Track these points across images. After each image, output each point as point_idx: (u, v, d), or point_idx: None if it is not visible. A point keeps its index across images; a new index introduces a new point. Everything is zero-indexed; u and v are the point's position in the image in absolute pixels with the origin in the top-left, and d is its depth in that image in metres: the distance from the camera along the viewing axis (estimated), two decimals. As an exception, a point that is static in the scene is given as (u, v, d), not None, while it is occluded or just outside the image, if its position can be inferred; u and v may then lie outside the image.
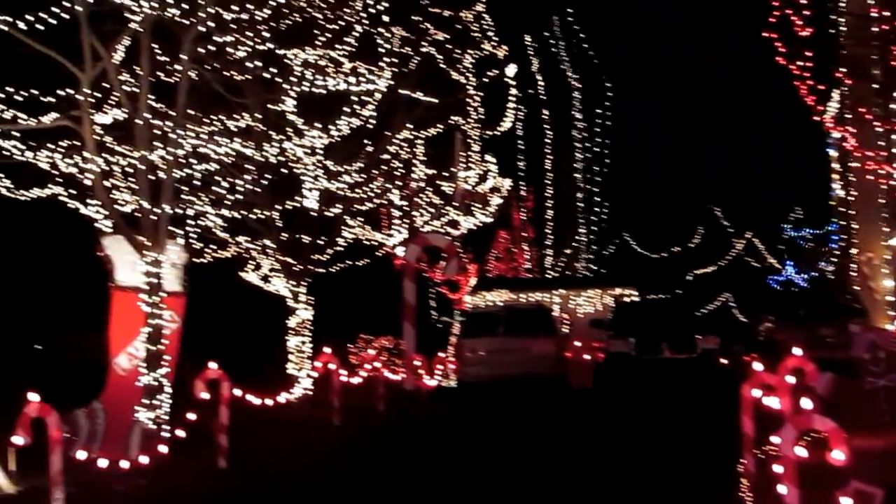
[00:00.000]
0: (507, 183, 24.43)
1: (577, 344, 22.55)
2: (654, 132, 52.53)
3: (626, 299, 30.10)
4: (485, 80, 22.45)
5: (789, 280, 54.89)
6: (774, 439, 6.96)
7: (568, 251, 46.15)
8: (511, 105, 23.84)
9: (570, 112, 42.33)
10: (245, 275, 20.93)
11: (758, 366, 9.84)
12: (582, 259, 47.13)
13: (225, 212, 14.82)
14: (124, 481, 11.08)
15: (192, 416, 12.66)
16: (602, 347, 21.73)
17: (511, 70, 23.09)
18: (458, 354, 22.01)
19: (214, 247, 18.18)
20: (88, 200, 13.25)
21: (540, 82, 31.84)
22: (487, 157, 23.55)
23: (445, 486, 10.44)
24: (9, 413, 9.95)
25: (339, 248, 20.64)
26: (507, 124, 24.05)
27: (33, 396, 8.57)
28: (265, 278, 20.44)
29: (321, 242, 20.03)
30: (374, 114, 15.71)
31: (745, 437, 8.84)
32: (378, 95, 14.65)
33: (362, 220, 21.17)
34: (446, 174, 21.84)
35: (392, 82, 15.35)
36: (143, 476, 11.34)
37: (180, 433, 12.58)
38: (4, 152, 12.55)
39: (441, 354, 25.24)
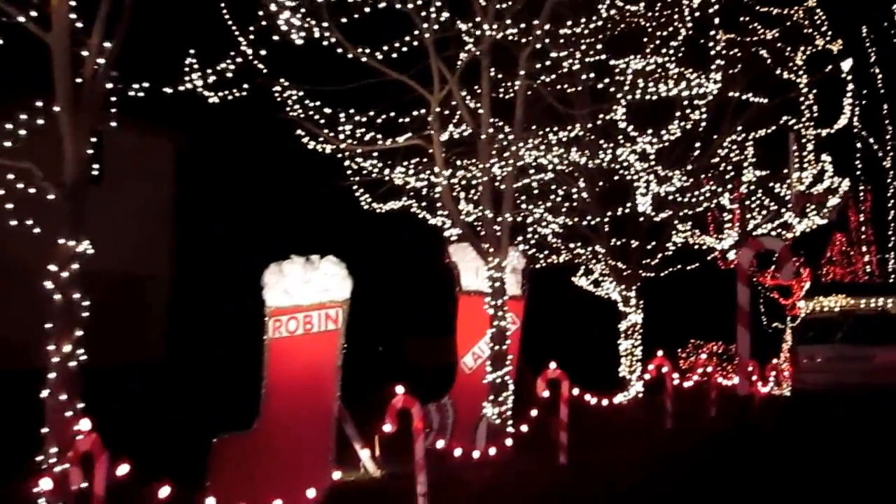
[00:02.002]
0: (844, 183, 23.08)
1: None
2: None
3: None
4: (819, 76, 21.43)
5: None
6: None
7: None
8: (847, 101, 22.64)
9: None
10: (577, 280, 21.45)
11: None
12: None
13: (560, 219, 15.29)
14: (475, 470, 11.80)
15: (534, 413, 13.20)
16: None
17: (847, 64, 21.91)
18: (793, 361, 21.17)
19: (548, 253, 18.83)
20: (438, 212, 14.28)
21: (879, 75, 29.74)
22: (823, 157, 22.45)
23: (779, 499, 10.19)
24: (368, 406, 10.99)
25: (668, 253, 20.60)
26: (843, 121, 22.81)
27: (399, 389, 9.38)
28: (596, 283, 20.81)
29: (650, 247, 20.10)
30: (704, 117, 15.54)
31: None
32: (708, 98, 14.49)
33: (691, 224, 20.98)
34: (778, 176, 21.06)
35: (720, 85, 15.11)
36: (490, 467, 12.01)
37: (524, 428, 13.15)
38: (365, 171, 13.89)
39: (774, 361, 24.36)
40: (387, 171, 13.59)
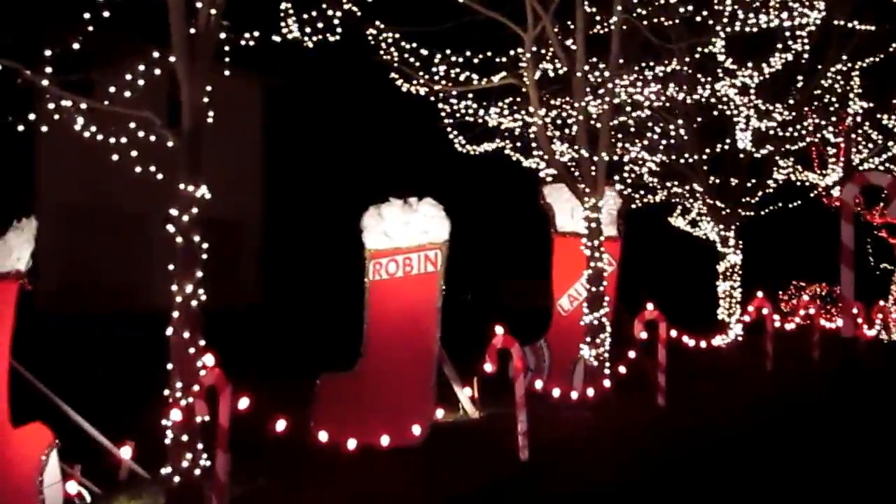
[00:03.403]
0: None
1: None
2: None
3: None
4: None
5: None
6: None
7: None
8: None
9: None
10: (674, 220, 21.50)
11: None
12: None
13: (657, 157, 15.38)
14: (573, 411, 12.19)
15: (631, 355, 13.49)
16: None
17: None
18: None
19: (644, 192, 18.92)
20: (532, 153, 14.53)
21: None
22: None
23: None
24: (466, 348, 11.39)
25: (769, 191, 20.47)
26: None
27: (499, 329, 9.75)
28: (693, 223, 20.84)
29: (750, 185, 20.01)
30: (807, 48, 15.37)
31: None
32: (811, 28, 14.34)
33: (793, 159, 20.77)
34: (886, 107, 20.63)
35: (824, 14, 14.90)
36: (588, 408, 12.38)
37: (622, 370, 13.46)
38: (459, 113, 14.21)
39: (882, 304, 24.07)
40: (481, 112, 13.86)
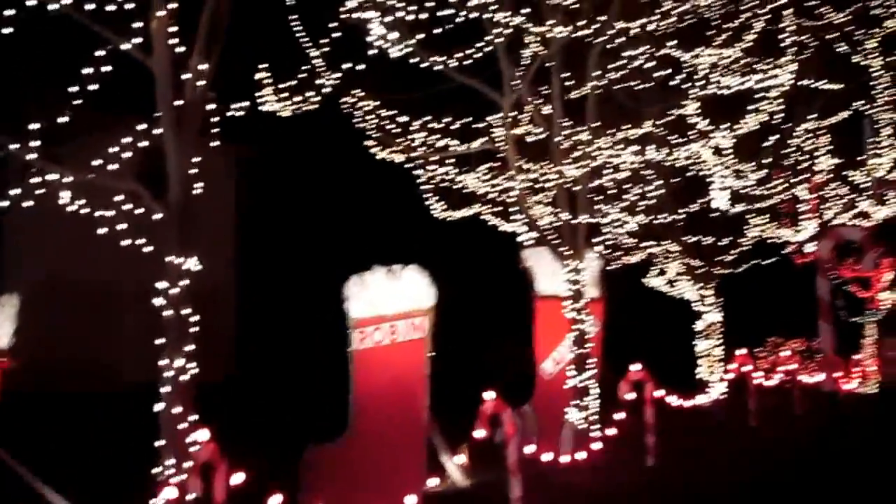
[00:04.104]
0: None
1: None
2: None
3: None
4: (892, 59, 21.33)
5: None
6: None
7: None
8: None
9: None
10: (650, 280, 21.59)
11: None
12: None
13: (636, 218, 15.51)
14: (564, 475, 12.08)
15: (619, 416, 13.45)
16: None
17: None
18: (880, 355, 21.12)
19: (621, 253, 19.01)
20: (511, 217, 14.59)
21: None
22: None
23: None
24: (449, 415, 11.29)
25: (744, 248, 20.66)
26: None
27: (489, 394, 9.69)
28: (671, 283, 20.94)
29: (725, 243, 20.19)
30: (779, 108, 15.65)
31: None
32: (784, 88, 14.63)
33: (767, 217, 21.01)
34: (854, 164, 21.04)
35: (794, 75, 15.22)
36: (579, 471, 12.28)
37: (611, 431, 13.40)
38: (437, 178, 14.26)
39: (857, 357, 24.24)
40: (460, 178, 13.92)
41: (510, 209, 14.57)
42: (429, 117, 13.57)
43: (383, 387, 10.49)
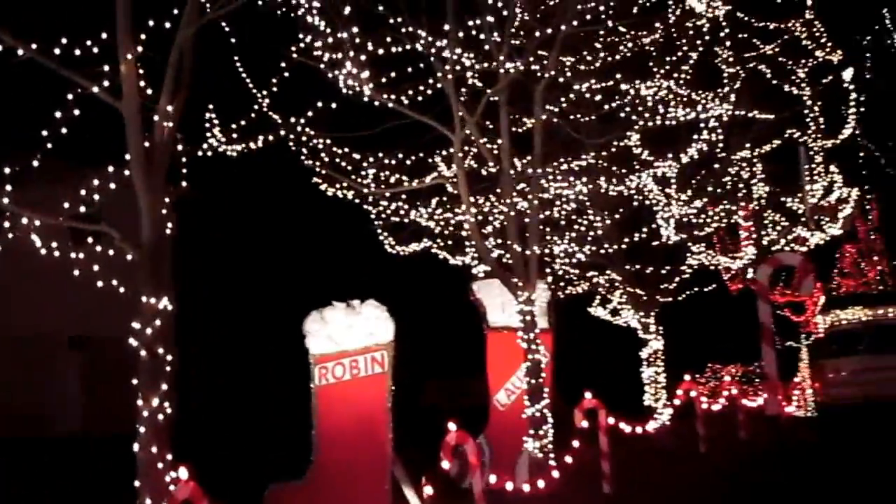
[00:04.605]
0: (854, 193, 23.79)
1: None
2: None
3: None
4: (821, 88, 22.20)
5: None
6: None
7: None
8: (852, 110, 23.39)
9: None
10: (594, 310, 21.98)
11: None
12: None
13: (585, 248, 15.84)
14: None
15: (575, 444, 13.66)
16: None
17: (848, 74, 22.68)
18: (819, 377, 21.68)
19: (564, 284, 19.36)
20: (461, 251, 14.83)
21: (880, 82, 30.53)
22: (832, 168, 23.19)
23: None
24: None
25: (685, 276, 21.14)
26: (847, 131, 23.55)
27: (452, 426, 9.84)
28: (614, 312, 21.34)
29: (666, 272, 20.65)
30: (717, 138, 16.17)
31: None
32: (723, 119, 15.16)
33: (705, 245, 21.55)
34: (788, 190, 21.76)
35: (731, 107, 15.79)
36: (540, 500, 12.44)
37: (568, 459, 13.59)
38: (387, 214, 14.46)
39: (795, 380, 24.87)
40: (412, 213, 14.14)
41: (459, 243, 14.84)
42: (380, 154, 13.78)
43: (345, 422, 10.59)
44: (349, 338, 10.80)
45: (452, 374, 22.83)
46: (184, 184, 7.48)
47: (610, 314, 21.91)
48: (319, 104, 10.34)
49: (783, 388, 22.66)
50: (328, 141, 12.99)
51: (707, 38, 15.11)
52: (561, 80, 13.40)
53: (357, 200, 14.48)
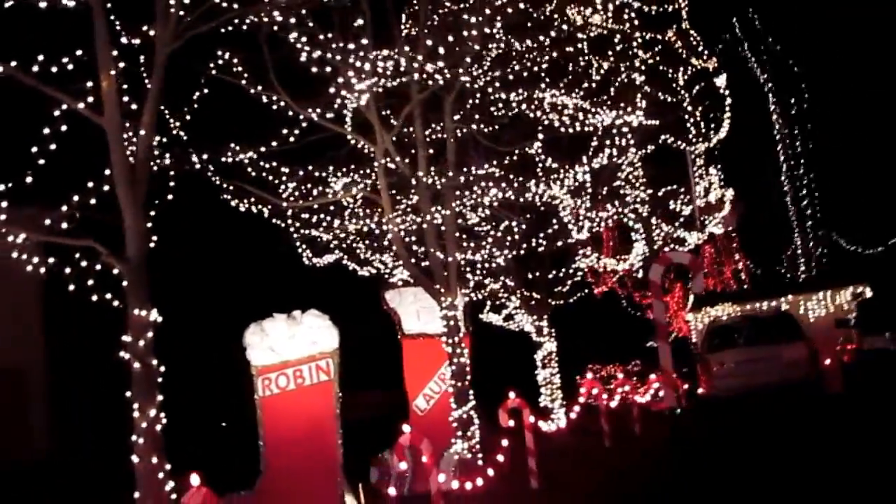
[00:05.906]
0: (729, 193, 25.30)
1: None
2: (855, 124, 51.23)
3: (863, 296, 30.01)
4: (697, 94, 23.55)
5: None
6: None
7: (783, 257, 46.18)
8: (727, 114, 24.86)
9: (767, 112, 42.93)
10: (485, 316, 22.63)
11: None
12: (800, 263, 46.96)
13: (500, 254, 16.44)
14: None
15: (504, 443, 14.21)
16: (852, 348, 22.07)
17: (721, 80, 24.15)
18: (704, 370, 22.88)
19: (467, 291, 19.94)
20: (371, 261, 15.24)
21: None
22: (711, 170, 24.63)
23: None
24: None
25: (576, 279, 22.05)
26: (721, 134, 25.04)
27: (406, 427, 10.27)
28: (509, 317, 22.06)
29: (556, 275, 21.51)
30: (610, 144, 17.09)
31: None
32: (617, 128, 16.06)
33: (591, 247, 22.51)
34: (671, 192, 23.00)
35: (641, 116, 16.69)
36: (471, 499, 12.93)
37: (500, 458, 14.12)
38: (304, 227, 14.74)
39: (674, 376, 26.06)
40: (336, 223, 14.47)
41: (368, 253, 15.27)
42: (289, 168, 14.02)
43: (293, 431, 10.89)
44: (291, 348, 11.09)
45: (371, 385, 23.11)
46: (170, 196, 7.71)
47: (503, 319, 22.59)
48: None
49: (679, 382, 23.82)
50: (253, 154, 13.15)
51: (589, 50, 15.98)
52: (466, 89, 13.98)
53: (266, 215, 14.68)
